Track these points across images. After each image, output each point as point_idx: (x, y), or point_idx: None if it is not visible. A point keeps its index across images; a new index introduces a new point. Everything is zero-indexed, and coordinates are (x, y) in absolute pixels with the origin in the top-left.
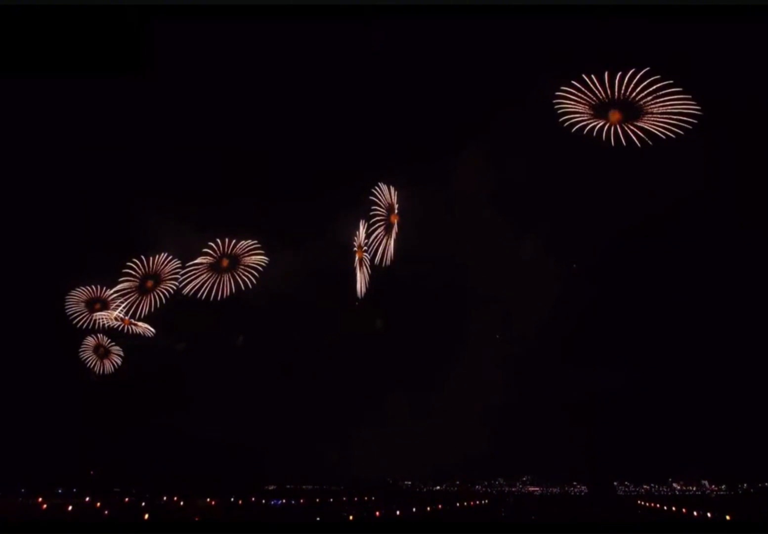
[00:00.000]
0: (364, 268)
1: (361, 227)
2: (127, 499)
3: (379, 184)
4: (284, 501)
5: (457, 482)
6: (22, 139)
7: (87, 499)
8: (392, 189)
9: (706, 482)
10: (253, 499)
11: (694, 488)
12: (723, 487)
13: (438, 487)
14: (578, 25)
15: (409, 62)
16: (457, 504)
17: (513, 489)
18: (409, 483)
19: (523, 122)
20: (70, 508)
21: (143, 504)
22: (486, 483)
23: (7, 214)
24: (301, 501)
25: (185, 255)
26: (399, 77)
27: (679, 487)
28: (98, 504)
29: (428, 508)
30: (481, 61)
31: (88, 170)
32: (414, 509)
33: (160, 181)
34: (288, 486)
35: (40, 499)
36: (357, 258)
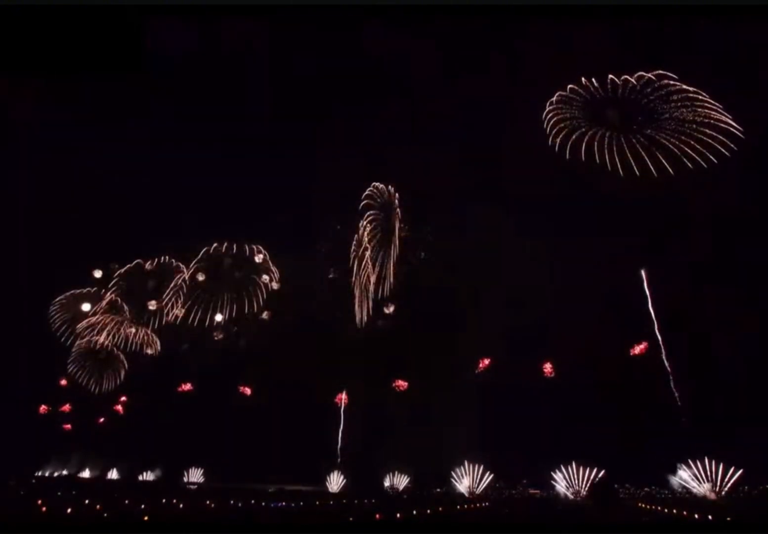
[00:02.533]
0: (364, 290)
1: (360, 228)
2: (126, 501)
3: (377, 184)
4: (284, 503)
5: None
6: (19, 139)
7: (86, 501)
8: (391, 189)
9: (707, 485)
10: (252, 501)
11: (695, 490)
12: (725, 489)
13: (438, 490)
14: (580, 26)
15: (406, 63)
16: (458, 507)
17: (513, 491)
18: (410, 485)
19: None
20: (69, 510)
21: (143, 506)
22: (486, 485)
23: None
24: (301, 503)
25: (181, 259)
26: (397, 79)
27: (679, 490)
28: (98, 506)
29: (428, 511)
30: (479, 62)
31: (85, 172)
32: (414, 512)
33: (157, 183)
34: (288, 488)
35: (40, 502)
36: (356, 279)
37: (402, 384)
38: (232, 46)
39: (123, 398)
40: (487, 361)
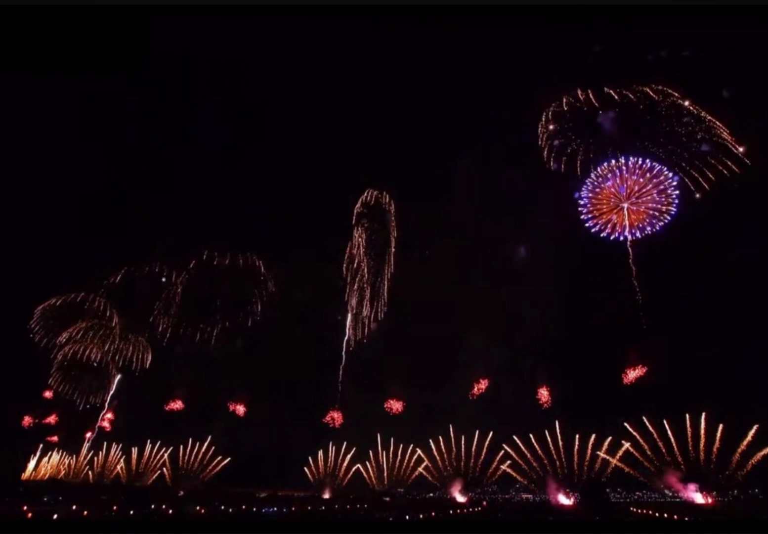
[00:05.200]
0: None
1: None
2: (115, 508)
3: (371, 190)
4: (276, 509)
5: (450, 489)
6: (15, 140)
7: (74, 506)
8: (386, 196)
9: (696, 489)
10: (244, 506)
11: (685, 495)
12: (714, 493)
13: (431, 495)
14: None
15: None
16: (450, 511)
17: (506, 496)
18: (402, 490)
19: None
20: (55, 516)
21: (131, 512)
22: (479, 490)
23: None
24: (293, 509)
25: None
26: (394, 83)
27: (670, 494)
28: (85, 512)
29: (421, 516)
30: (477, 67)
31: (81, 172)
32: (407, 517)
33: (153, 185)
34: (280, 493)
35: (25, 508)
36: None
37: (396, 406)
38: (234, 50)
39: (109, 415)
40: (484, 384)
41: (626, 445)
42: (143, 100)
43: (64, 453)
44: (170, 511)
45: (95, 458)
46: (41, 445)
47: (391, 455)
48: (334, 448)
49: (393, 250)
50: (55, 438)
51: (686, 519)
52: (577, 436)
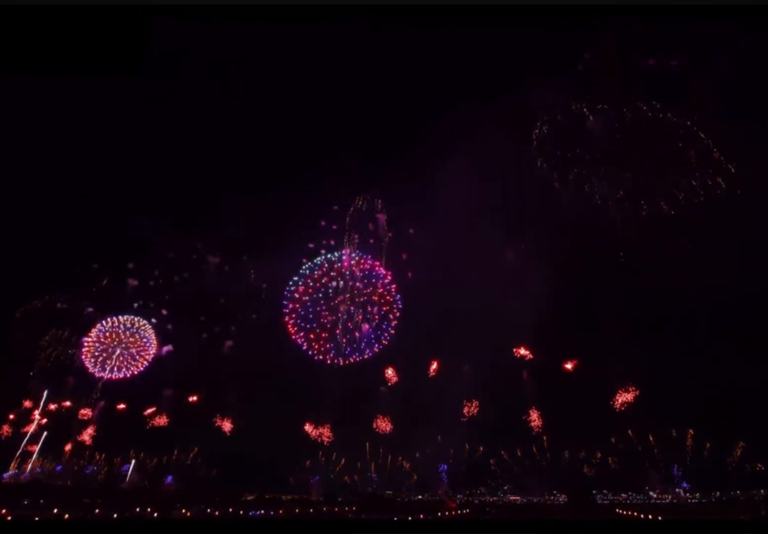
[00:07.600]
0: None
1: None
2: (97, 511)
3: (364, 197)
4: (263, 512)
5: (439, 492)
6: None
7: (55, 510)
8: (379, 203)
9: (680, 491)
10: (230, 509)
11: (670, 497)
12: (697, 495)
13: (420, 497)
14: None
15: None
16: (439, 514)
17: (494, 498)
18: (390, 492)
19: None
20: (36, 518)
21: (115, 516)
22: (467, 492)
23: None
24: (281, 512)
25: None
26: (388, 86)
27: (655, 496)
28: (66, 516)
29: (410, 518)
30: (470, 69)
31: (73, 173)
32: (395, 518)
33: (147, 186)
34: (267, 496)
35: (4, 511)
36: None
37: (384, 426)
38: (231, 53)
39: (90, 430)
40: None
41: (612, 461)
42: (133, 100)
43: (45, 460)
44: (155, 514)
45: (75, 467)
46: (20, 451)
47: (379, 464)
48: (323, 459)
49: (384, 256)
50: (34, 447)
51: (671, 519)
52: (566, 452)
